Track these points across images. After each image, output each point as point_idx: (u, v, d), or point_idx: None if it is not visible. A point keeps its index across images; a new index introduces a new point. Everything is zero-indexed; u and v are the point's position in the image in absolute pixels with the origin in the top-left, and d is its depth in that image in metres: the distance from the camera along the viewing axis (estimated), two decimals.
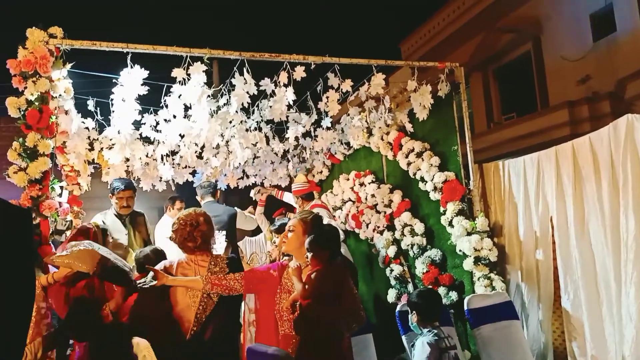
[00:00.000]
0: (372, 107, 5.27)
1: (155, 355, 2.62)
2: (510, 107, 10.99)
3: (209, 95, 4.27)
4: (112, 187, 4.65)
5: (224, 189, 6.10)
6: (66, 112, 4.06)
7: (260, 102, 4.82)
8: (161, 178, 5.06)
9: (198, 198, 5.55)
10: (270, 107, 4.59)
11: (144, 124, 4.36)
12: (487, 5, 10.65)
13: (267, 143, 5.31)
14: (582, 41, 9.39)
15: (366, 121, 5.51)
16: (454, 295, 4.71)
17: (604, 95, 8.77)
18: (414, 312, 3.38)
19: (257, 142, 4.90)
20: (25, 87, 3.56)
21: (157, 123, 4.38)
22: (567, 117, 8.82)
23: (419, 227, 5.20)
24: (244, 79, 4.23)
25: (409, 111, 5.34)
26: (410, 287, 5.32)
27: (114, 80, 4.03)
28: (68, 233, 4.18)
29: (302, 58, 4.41)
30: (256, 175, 6.36)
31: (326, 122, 5.13)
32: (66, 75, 3.91)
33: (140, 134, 4.46)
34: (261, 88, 4.41)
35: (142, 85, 4.03)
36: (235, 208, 5.37)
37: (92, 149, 4.62)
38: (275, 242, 4.42)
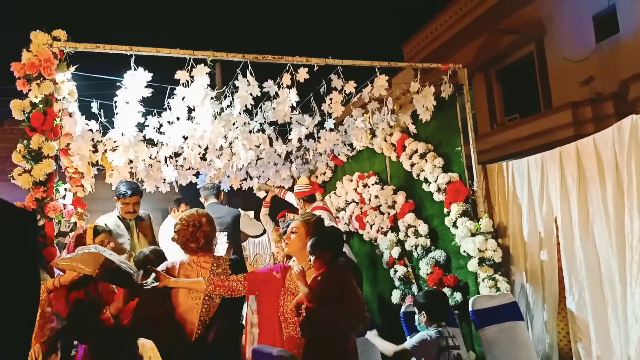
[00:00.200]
0: (375, 108, 5.26)
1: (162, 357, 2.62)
2: (513, 108, 10.97)
3: (212, 97, 4.28)
4: (118, 191, 4.58)
5: (227, 191, 6.10)
6: (70, 115, 4.07)
7: (264, 103, 4.83)
8: (165, 180, 5.07)
9: (202, 199, 5.55)
10: (274, 108, 4.59)
11: (148, 126, 4.36)
12: (490, 7, 10.64)
13: (270, 144, 5.31)
14: (585, 42, 9.37)
15: (369, 122, 5.50)
16: (458, 296, 4.70)
17: (608, 96, 8.76)
18: (422, 312, 3.38)
19: (260, 144, 4.91)
20: (30, 90, 3.57)
21: (161, 125, 4.39)
22: (570, 118, 8.80)
23: (423, 228, 5.19)
24: (247, 80, 4.24)
25: (412, 112, 5.34)
26: (414, 288, 5.32)
27: (117, 84, 4.04)
28: (72, 234, 4.20)
29: (305, 60, 4.41)
30: (259, 176, 6.37)
31: (329, 123, 5.13)
32: (70, 78, 3.92)
33: (144, 136, 4.47)
34: (264, 90, 4.41)
35: (145, 87, 4.04)
36: (239, 209, 5.36)
37: (95, 150, 4.64)
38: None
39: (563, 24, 9.79)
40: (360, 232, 6.10)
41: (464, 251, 4.71)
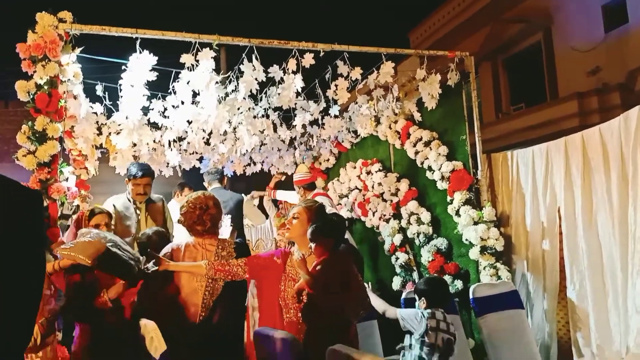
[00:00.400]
0: (380, 95, 5.25)
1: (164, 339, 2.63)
2: (519, 98, 10.91)
3: (217, 82, 4.27)
4: (129, 172, 4.42)
5: (230, 176, 6.11)
6: (75, 97, 4.07)
7: (269, 89, 4.81)
8: (168, 164, 5.08)
9: (205, 184, 5.56)
10: (279, 94, 4.59)
11: (152, 109, 4.37)
12: None
13: (275, 130, 5.31)
14: (593, 32, 9.28)
15: (374, 109, 5.49)
16: (459, 283, 4.72)
17: (614, 87, 8.69)
18: (422, 298, 3.39)
19: (264, 129, 4.90)
20: (35, 71, 3.57)
21: (165, 109, 4.39)
22: (576, 109, 8.74)
23: (426, 215, 5.20)
24: (253, 65, 4.22)
25: (418, 100, 5.32)
26: (415, 275, 5.34)
27: (122, 67, 4.04)
28: (74, 217, 4.21)
29: (311, 45, 4.39)
30: (263, 162, 6.37)
31: (334, 110, 5.12)
32: (75, 60, 3.91)
33: (148, 120, 4.47)
34: (269, 75, 4.40)
35: (150, 71, 4.03)
36: (242, 195, 5.38)
37: (100, 133, 4.64)
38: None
39: (571, 13, 9.69)
40: (363, 219, 6.12)
41: (466, 239, 4.72)
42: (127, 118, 4.28)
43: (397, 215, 5.60)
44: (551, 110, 9.20)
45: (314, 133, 5.96)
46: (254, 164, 6.34)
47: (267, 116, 5.01)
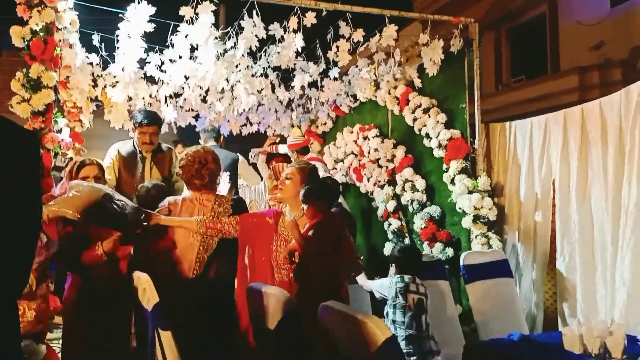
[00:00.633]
0: (381, 59, 5.18)
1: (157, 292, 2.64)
2: (520, 70, 10.80)
3: (216, 37, 4.18)
4: (135, 119, 4.27)
5: (226, 135, 6.06)
6: (70, 46, 3.98)
7: (268, 47, 4.73)
8: (163, 120, 5.01)
9: (201, 142, 5.51)
10: (278, 53, 4.51)
11: (149, 62, 4.28)
12: None
13: (273, 91, 5.24)
14: (599, 6, 9.14)
15: (374, 74, 5.42)
16: (450, 251, 4.77)
17: (616, 63, 8.61)
18: (393, 264, 3.56)
19: (262, 89, 4.84)
20: (30, 17, 3.47)
21: (162, 63, 4.31)
22: (576, 83, 8.68)
23: (420, 183, 5.21)
24: (253, 21, 4.13)
25: (419, 66, 5.25)
26: (407, 241, 5.38)
27: (120, 15, 3.94)
28: (67, 169, 4.17)
29: (314, 4, 4.30)
30: (259, 123, 6.32)
31: (334, 72, 5.05)
32: (72, 7, 3.81)
33: (145, 73, 4.39)
34: (270, 33, 4.31)
35: (148, 22, 3.94)
36: (238, 154, 5.34)
37: (95, 85, 4.57)
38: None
39: None
40: (357, 184, 6.12)
41: (460, 208, 4.75)
42: (123, 70, 4.21)
43: (392, 182, 5.60)
44: (551, 83, 9.13)
45: (312, 95, 5.90)
46: (250, 124, 6.29)
47: (266, 75, 4.94)
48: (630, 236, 3.67)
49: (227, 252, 3.09)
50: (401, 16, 4.75)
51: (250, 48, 4.30)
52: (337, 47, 4.60)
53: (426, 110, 5.14)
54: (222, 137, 5.75)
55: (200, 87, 4.77)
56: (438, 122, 4.99)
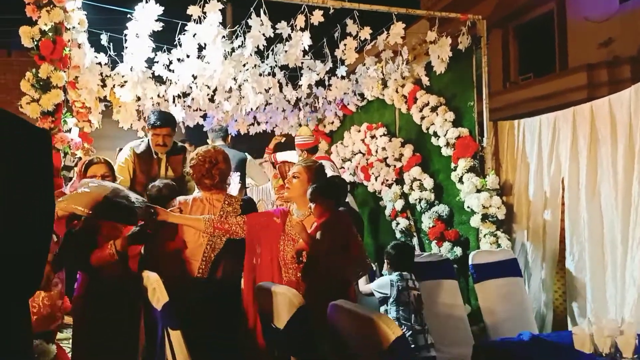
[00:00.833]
0: (389, 57, 5.17)
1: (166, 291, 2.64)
2: (528, 67, 10.73)
3: (223, 36, 4.19)
4: (148, 121, 4.19)
5: (234, 135, 6.07)
6: (79, 46, 4.00)
7: (275, 46, 4.73)
8: (178, 121, 5.02)
9: (209, 141, 5.52)
10: (285, 51, 4.51)
11: (157, 62, 4.29)
12: None
13: (280, 90, 5.24)
14: (607, 3, 9.06)
15: (382, 72, 5.41)
16: (458, 250, 4.76)
17: (625, 60, 8.53)
18: (386, 260, 3.68)
19: (270, 88, 4.84)
20: (39, 17, 3.49)
21: (170, 62, 4.32)
22: (585, 80, 8.60)
23: (428, 182, 5.19)
24: (261, 20, 4.14)
25: (427, 64, 5.24)
26: (415, 240, 5.37)
27: (128, 15, 3.96)
28: (76, 169, 4.17)
29: (321, 2, 4.29)
30: (267, 122, 6.33)
31: (341, 70, 5.05)
32: (80, 7, 3.83)
33: (153, 73, 4.40)
34: (277, 31, 4.31)
35: (156, 21, 3.95)
36: (246, 154, 5.34)
37: (104, 85, 4.58)
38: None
39: None
40: (365, 183, 6.11)
41: (468, 207, 4.72)
42: (131, 70, 4.22)
43: (400, 181, 5.59)
44: (560, 81, 9.06)
45: (319, 94, 5.90)
46: (258, 123, 6.30)
47: (274, 74, 4.94)
48: None
49: (234, 252, 3.09)
50: (408, 14, 4.74)
51: (257, 47, 4.30)
52: (345, 45, 4.59)
53: (434, 109, 5.13)
54: (229, 136, 5.76)
55: (208, 87, 4.78)
56: (446, 120, 4.97)
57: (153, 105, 4.99)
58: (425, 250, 5.16)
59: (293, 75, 5.19)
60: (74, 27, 3.77)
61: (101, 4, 4.03)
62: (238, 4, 4.59)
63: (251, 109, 5.47)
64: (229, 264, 3.11)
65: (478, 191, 4.65)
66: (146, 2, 3.88)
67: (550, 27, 10.15)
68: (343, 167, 6.40)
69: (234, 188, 3.75)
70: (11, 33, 4.28)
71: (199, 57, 4.27)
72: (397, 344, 1.74)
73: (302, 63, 4.73)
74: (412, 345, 3.31)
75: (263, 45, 4.29)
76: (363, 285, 3.79)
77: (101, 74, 4.41)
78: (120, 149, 4.55)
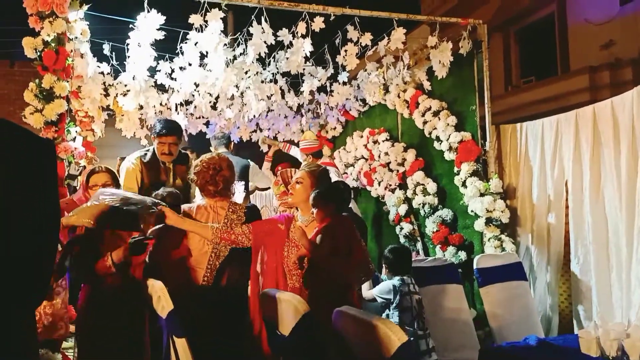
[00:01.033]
0: (390, 63, 5.18)
1: (171, 299, 2.63)
2: (530, 71, 10.73)
3: (225, 44, 4.21)
4: (154, 129, 4.10)
5: (236, 142, 6.08)
6: (82, 56, 4.03)
7: (277, 53, 4.75)
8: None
9: (212, 149, 5.53)
10: (287, 58, 4.52)
11: (159, 71, 4.32)
12: None
13: (282, 96, 5.26)
14: (608, 5, 9.07)
15: (383, 77, 5.42)
16: (462, 255, 4.74)
17: (627, 62, 8.53)
18: (384, 265, 3.69)
19: (272, 95, 4.85)
20: (42, 28, 3.51)
21: (172, 71, 4.34)
22: (587, 83, 8.60)
23: (432, 186, 5.19)
24: (262, 28, 4.15)
25: (428, 69, 5.25)
26: (419, 245, 5.36)
27: (130, 25, 3.98)
28: (80, 178, 4.18)
29: (322, 8, 4.31)
30: (269, 129, 6.34)
31: (342, 76, 5.06)
32: (83, 17, 3.85)
33: (155, 81, 4.42)
34: (279, 39, 4.33)
35: (158, 30, 3.97)
36: (249, 160, 5.36)
37: (107, 95, 4.61)
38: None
39: None
40: (368, 188, 6.11)
41: (472, 211, 4.72)
42: (134, 79, 4.24)
43: (403, 186, 5.59)
44: (562, 84, 9.06)
45: (321, 100, 5.91)
46: (261, 130, 6.31)
47: (275, 81, 4.96)
48: None
49: (239, 259, 3.09)
50: (409, 19, 4.76)
51: (259, 54, 4.32)
52: (346, 51, 4.60)
53: (436, 113, 5.13)
54: (232, 143, 5.77)
55: (210, 94, 4.80)
56: (448, 124, 4.97)
57: (155, 113, 5.01)
58: (430, 254, 5.15)
59: (295, 81, 5.21)
60: (76, 38, 3.80)
61: (103, 14, 4.06)
62: (239, 12, 4.61)
63: (253, 116, 5.49)
64: (234, 272, 3.11)
65: (481, 195, 4.64)
66: (148, 11, 3.91)
67: (551, 30, 10.16)
68: (346, 173, 6.40)
69: (238, 197, 3.74)
70: (14, 44, 4.29)
71: (201, 65, 4.30)
72: (402, 350, 1.74)
73: (303, 69, 4.75)
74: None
75: (264, 52, 4.31)
76: (366, 290, 3.78)
77: (104, 83, 4.44)
78: (122, 158, 4.55)
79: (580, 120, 4.27)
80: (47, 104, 3.46)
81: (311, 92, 5.16)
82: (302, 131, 6.44)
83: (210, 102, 4.97)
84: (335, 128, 6.82)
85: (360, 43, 4.54)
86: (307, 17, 4.25)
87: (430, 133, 5.20)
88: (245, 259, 3.19)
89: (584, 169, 4.21)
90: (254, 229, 3.05)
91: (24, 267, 1.28)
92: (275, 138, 6.42)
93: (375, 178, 5.89)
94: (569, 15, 9.81)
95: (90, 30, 4.02)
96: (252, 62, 4.39)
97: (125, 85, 4.36)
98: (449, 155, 4.97)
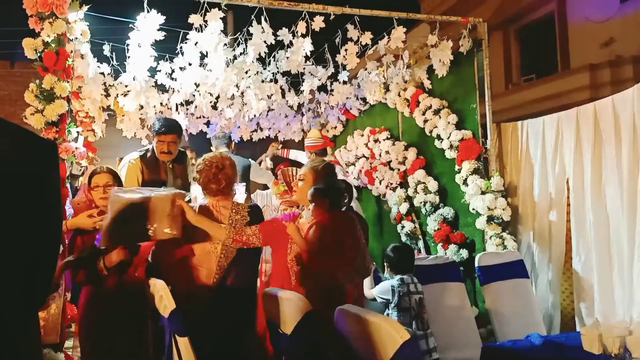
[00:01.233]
0: (390, 62, 5.18)
1: (173, 299, 2.63)
2: (530, 69, 10.73)
3: (225, 44, 4.21)
4: (153, 128, 4.06)
5: (237, 142, 6.08)
6: (82, 56, 4.02)
7: (277, 52, 4.75)
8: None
9: (213, 149, 5.53)
10: (287, 58, 4.52)
11: (160, 71, 4.32)
12: None
13: (283, 96, 5.26)
14: (608, 3, 9.07)
15: (384, 76, 5.42)
16: (464, 253, 4.74)
17: (628, 60, 8.52)
18: (386, 263, 3.64)
19: (272, 94, 4.85)
20: (42, 29, 3.50)
21: (173, 71, 4.34)
22: (587, 81, 8.60)
23: (433, 184, 5.19)
24: (262, 27, 4.15)
25: (428, 68, 5.25)
26: (420, 243, 5.36)
27: (130, 25, 3.98)
28: (82, 179, 4.18)
29: (322, 8, 4.30)
30: (270, 128, 6.34)
31: (343, 75, 5.06)
32: (82, 18, 3.85)
33: (156, 82, 4.42)
34: (279, 38, 4.33)
35: (158, 30, 3.97)
36: (250, 159, 5.36)
37: (107, 95, 4.61)
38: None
39: None
40: (369, 187, 6.11)
41: (473, 209, 4.71)
42: (134, 79, 4.24)
43: (404, 184, 5.59)
44: (562, 81, 9.06)
45: (322, 99, 5.91)
46: (261, 130, 6.31)
47: (276, 81, 4.96)
48: None
49: (246, 259, 3.10)
50: (409, 18, 4.75)
51: (259, 54, 4.32)
52: (346, 50, 4.60)
53: (437, 112, 5.13)
54: (233, 142, 5.77)
55: (211, 94, 4.80)
56: (449, 123, 4.97)
57: (156, 113, 5.01)
58: (431, 253, 5.15)
59: (295, 81, 5.21)
60: (76, 38, 3.79)
61: (103, 14, 4.06)
62: (239, 11, 4.61)
63: (254, 116, 5.50)
64: (241, 272, 3.10)
65: (483, 193, 4.64)
66: (148, 11, 3.91)
67: (552, 28, 10.16)
68: (347, 172, 6.40)
69: (240, 197, 3.74)
70: (14, 45, 4.30)
71: (201, 65, 4.30)
72: (405, 349, 1.74)
73: (303, 69, 4.75)
74: None
75: (264, 52, 4.31)
76: (367, 290, 3.74)
77: (104, 83, 4.44)
78: (121, 159, 4.54)
79: (581, 118, 4.26)
80: (47, 105, 3.45)
81: (311, 92, 5.16)
82: (303, 130, 6.46)
83: (210, 101, 4.98)
84: (335, 127, 6.82)
85: (361, 42, 4.54)
86: (307, 16, 4.25)
87: (431, 131, 5.20)
88: (253, 259, 3.20)
89: (585, 167, 4.20)
90: (262, 228, 3.06)
91: (28, 267, 1.28)
92: (275, 138, 6.42)
93: (376, 177, 5.90)
94: (569, 13, 9.81)
95: (91, 30, 4.01)
96: (252, 61, 4.39)
97: (126, 86, 4.37)
98: (449, 154, 4.97)
